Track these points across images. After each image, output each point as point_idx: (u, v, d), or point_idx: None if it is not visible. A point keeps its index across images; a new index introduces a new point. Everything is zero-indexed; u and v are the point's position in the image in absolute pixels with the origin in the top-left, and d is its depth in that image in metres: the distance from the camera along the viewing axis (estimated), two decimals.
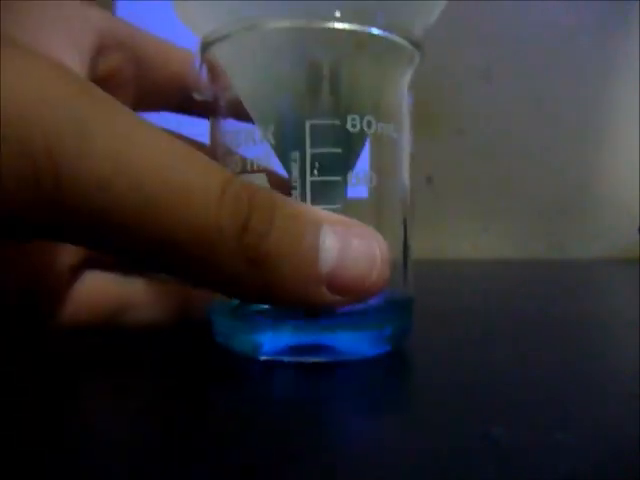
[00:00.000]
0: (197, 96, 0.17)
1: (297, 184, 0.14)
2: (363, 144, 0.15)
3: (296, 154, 0.14)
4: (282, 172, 0.15)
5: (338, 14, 0.14)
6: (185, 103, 0.19)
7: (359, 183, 0.15)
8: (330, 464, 0.09)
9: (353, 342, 0.15)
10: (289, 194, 0.14)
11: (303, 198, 0.14)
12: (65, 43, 0.15)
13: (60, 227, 0.10)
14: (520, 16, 0.55)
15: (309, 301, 0.12)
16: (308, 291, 0.11)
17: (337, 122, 0.14)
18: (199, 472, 0.09)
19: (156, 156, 0.10)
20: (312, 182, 0.14)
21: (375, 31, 0.14)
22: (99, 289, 0.17)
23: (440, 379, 0.14)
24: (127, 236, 0.10)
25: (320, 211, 0.12)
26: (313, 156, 0.14)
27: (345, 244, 0.11)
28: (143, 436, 0.11)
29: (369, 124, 0.15)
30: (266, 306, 0.15)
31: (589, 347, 0.19)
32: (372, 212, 0.16)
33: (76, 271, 0.17)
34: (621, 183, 0.57)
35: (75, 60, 0.15)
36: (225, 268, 0.11)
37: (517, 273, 0.45)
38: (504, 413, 0.12)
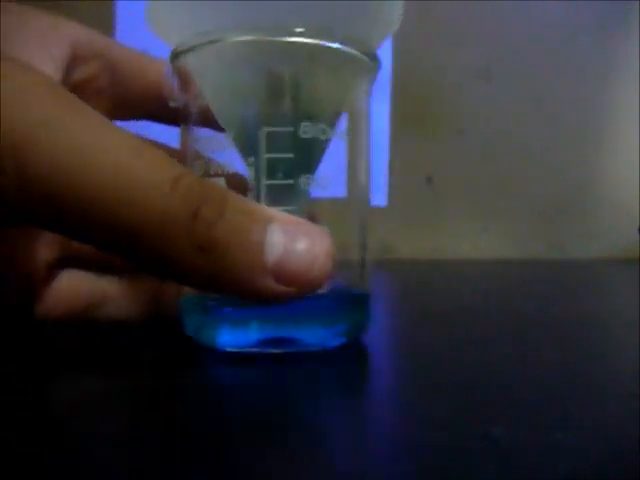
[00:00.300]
0: (172, 104, 0.17)
1: (254, 187, 0.15)
2: (319, 150, 0.16)
3: (252, 159, 0.15)
4: (244, 176, 0.16)
5: (295, 29, 0.15)
6: (161, 112, 0.19)
7: (314, 186, 0.16)
8: (329, 464, 0.09)
9: (313, 335, 0.16)
10: (246, 196, 0.15)
11: (259, 200, 0.15)
12: (39, 52, 0.16)
13: (31, 215, 0.12)
14: (520, 16, 0.55)
15: (255, 290, 0.13)
16: (254, 280, 0.12)
17: (290, 129, 0.15)
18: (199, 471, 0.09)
19: (118, 153, 0.11)
20: (267, 185, 0.15)
21: (328, 44, 0.15)
22: (75, 286, 0.18)
23: (440, 379, 0.14)
24: (89, 224, 0.11)
25: (272, 210, 0.13)
26: (268, 161, 0.15)
27: (291, 240, 0.13)
28: (142, 436, 0.11)
29: (323, 131, 0.16)
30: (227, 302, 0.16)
31: (589, 347, 0.19)
32: (327, 212, 0.17)
33: (53, 269, 0.18)
34: (621, 183, 0.57)
35: (49, 68, 0.16)
36: (176, 255, 0.12)
37: (517, 273, 0.45)
38: (504, 413, 0.12)
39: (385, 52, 0.53)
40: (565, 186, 0.56)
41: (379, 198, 0.54)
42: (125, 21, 0.48)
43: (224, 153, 0.16)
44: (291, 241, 0.13)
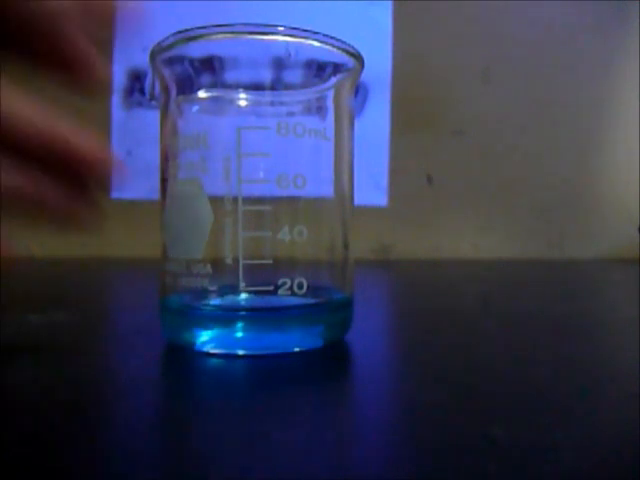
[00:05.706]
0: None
1: (230, 187, 0.15)
2: (298, 148, 0.16)
3: (229, 158, 0.15)
4: (220, 176, 0.16)
5: (275, 27, 0.15)
6: None
7: (292, 185, 0.16)
8: (330, 464, 0.09)
9: (289, 337, 0.16)
10: (222, 197, 0.15)
11: (235, 200, 0.15)
12: None
13: None
14: (520, 16, 0.55)
15: None
16: None
17: (266, 127, 0.15)
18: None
19: None
20: (243, 185, 0.15)
21: (307, 42, 0.15)
22: None
23: (440, 379, 0.14)
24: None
25: None
26: (244, 160, 0.15)
27: None
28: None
29: (296, 128, 0.16)
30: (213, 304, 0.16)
31: (589, 347, 0.19)
32: (307, 212, 0.16)
33: None
34: (621, 183, 0.57)
35: None
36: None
37: (517, 273, 0.45)
38: (504, 413, 0.12)
39: (385, 52, 0.53)
40: (565, 186, 0.56)
41: (379, 198, 0.54)
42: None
43: (196, 153, 0.16)
44: None
